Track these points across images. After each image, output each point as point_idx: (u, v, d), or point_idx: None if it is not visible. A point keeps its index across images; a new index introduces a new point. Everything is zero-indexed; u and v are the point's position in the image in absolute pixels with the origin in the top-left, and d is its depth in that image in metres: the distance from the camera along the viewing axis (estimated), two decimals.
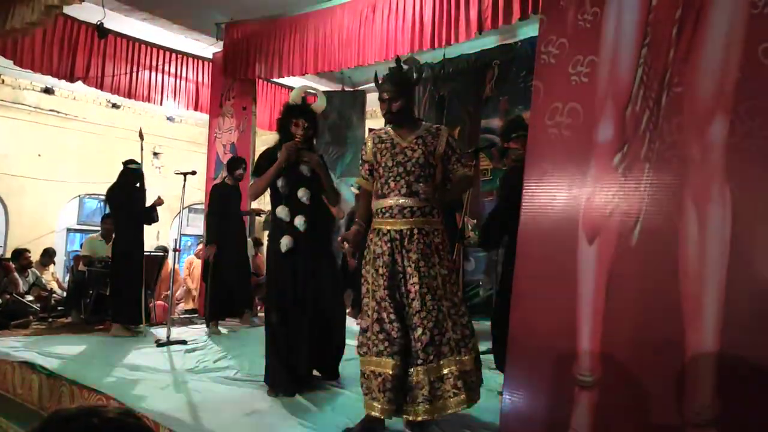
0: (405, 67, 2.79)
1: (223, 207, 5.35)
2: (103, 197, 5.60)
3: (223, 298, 5.33)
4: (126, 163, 5.38)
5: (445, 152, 2.61)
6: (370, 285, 2.53)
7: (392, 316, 2.44)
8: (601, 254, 1.51)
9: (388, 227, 2.54)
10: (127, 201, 5.27)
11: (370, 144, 2.72)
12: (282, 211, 3.19)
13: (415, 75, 2.85)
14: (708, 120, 1.37)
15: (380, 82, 2.66)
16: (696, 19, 1.39)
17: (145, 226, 5.57)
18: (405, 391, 2.42)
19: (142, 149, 5.47)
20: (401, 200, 2.54)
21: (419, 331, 2.40)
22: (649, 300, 1.42)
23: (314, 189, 3.25)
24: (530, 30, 6.02)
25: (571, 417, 1.51)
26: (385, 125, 2.73)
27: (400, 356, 2.40)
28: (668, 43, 1.45)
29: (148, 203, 5.53)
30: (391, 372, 2.38)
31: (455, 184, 2.66)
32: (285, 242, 3.14)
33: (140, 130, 5.51)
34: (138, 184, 5.36)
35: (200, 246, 6.82)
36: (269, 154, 3.30)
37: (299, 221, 3.16)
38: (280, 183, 3.21)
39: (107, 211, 5.47)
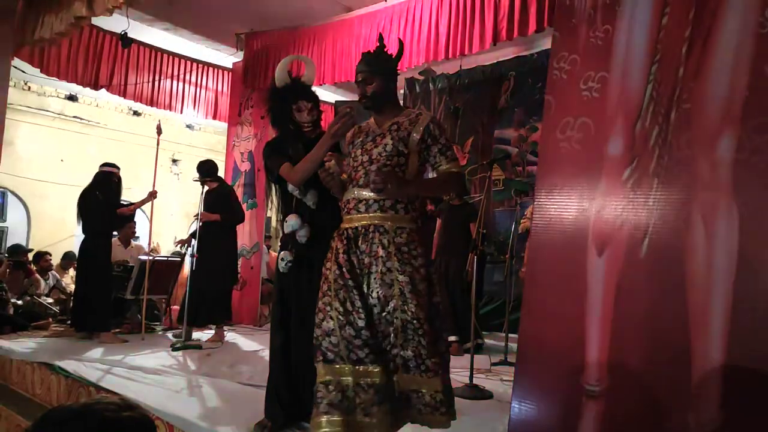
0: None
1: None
2: (126, 203, 5.57)
3: (195, 306, 5.05)
4: (102, 166, 5.30)
5: (423, 140, 2.23)
6: (331, 284, 2.18)
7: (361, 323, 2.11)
8: (610, 266, 1.53)
9: (345, 225, 2.26)
10: (97, 205, 5.10)
11: (348, 135, 2.41)
12: (293, 221, 2.60)
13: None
14: (716, 136, 1.40)
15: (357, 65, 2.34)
16: (705, 38, 1.42)
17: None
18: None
19: (158, 144, 5.40)
20: (357, 192, 2.22)
21: (361, 346, 2.09)
22: (656, 312, 1.44)
23: (327, 198, 2.55)
24: (547, 42, 6.06)
25: (578, 426, 1.53)
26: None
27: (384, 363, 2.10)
28: (678, 60, 1.48)
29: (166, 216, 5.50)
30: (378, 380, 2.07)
31: (435, 181, 2.31)
32: (283, 262, 2.60)
33: (158, 123, 5.49)
34: (108, 189, 5.18)
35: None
36: (278, 143, 2.70)
37: (303, 232, 2.59)
38: (290, 186, 2.62)
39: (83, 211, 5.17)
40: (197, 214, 5.25)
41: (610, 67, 1.62)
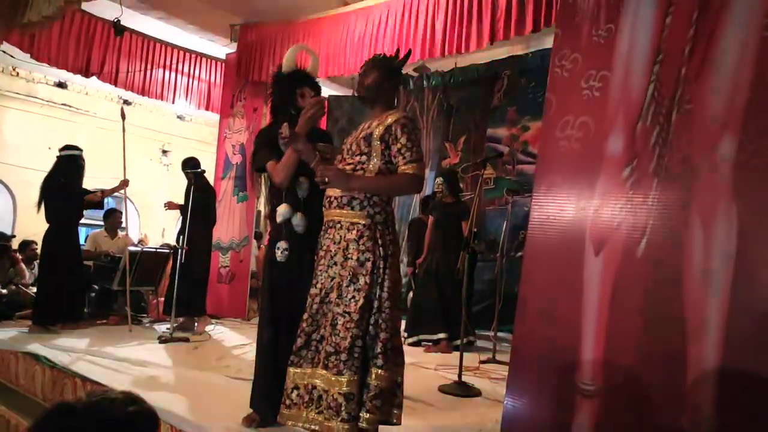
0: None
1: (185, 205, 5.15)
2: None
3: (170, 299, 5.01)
4: (63, 149, 5.09)
5: (383, 138, 2.25)
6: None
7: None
8: (607, 266, 1.53)
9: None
10: (61, 191, 4.89)
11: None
12: (283, 210, 2.59)
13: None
14: (717, 138, 1.40)
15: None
16: (708, 39, 1.42)
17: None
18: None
19: (124, 131, 5.25)
20: (327, 189, 2.33)
21: (299, 333, 2.29)
22: (652, 312, 1.44)
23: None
24: (541, 42, 6.07)
25: (572, 424, 1.53)
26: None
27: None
28: (680, 61, 1.48)
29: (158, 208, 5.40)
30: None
31: (385, 180, 2.26)
32: (279, 251, 2.59)
33: (122, 108, 5.41)
34: (71, 174, 4.98)
35: None
36: (272, 136, 2.60)
37: (297, 220, 2.58)
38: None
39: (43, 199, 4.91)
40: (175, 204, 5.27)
41: (612, 66, 1.62)
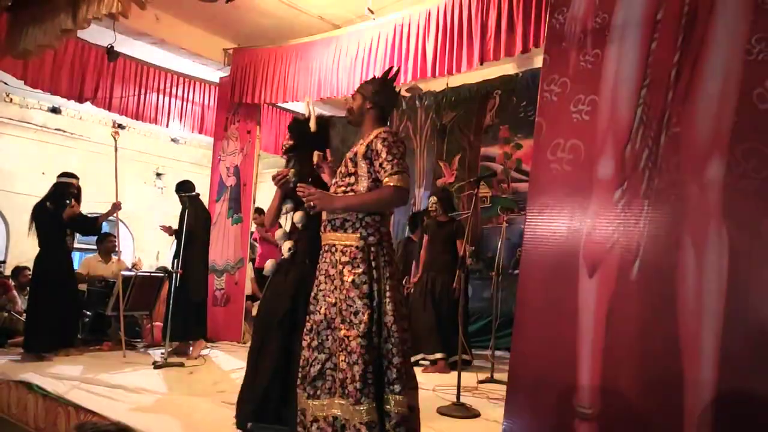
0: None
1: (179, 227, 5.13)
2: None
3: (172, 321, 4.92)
4: (60, 176, 5.10)
5: (366, 156, 2.30)
6: None
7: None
8: (601, 287, 1.54)
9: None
10: (53, 218, 4.89)
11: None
12: (278, 233, 2.96)
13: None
14: (705, 160, 1.42)
15: None
16: (694, 63, 1.45)
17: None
18: None
19: (116, 150, 5.21)
20: (322, 215, 2.39)
21: (312, 362, 2.28)
22: (648, 334, 1.44)
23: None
24: (531, 61, 6.16)
25: None
26: None
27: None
28: (667, 85, 1.51)
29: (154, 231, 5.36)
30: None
31: (368, 195, 2.27)
32: (268, 265, 2.95)
33: (115, 127, 5.33)
34: (67, 200, 4.95)
35: None
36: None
37: (285, 247, 2.86)
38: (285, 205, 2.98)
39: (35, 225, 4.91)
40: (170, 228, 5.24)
41: (600, 90, 1.65)
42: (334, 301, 2.27)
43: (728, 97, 1.41)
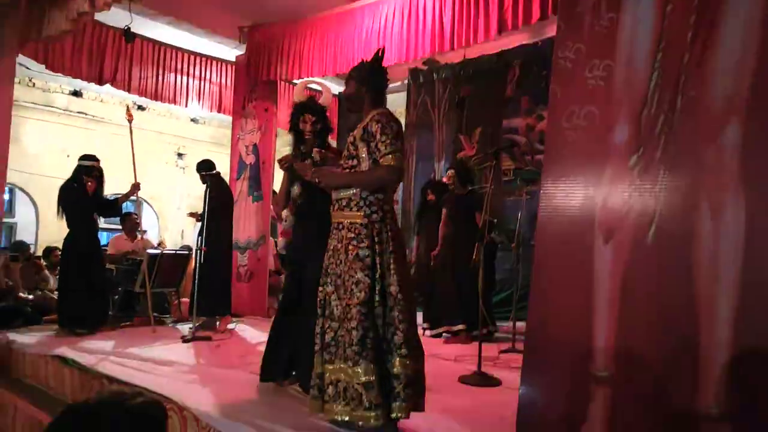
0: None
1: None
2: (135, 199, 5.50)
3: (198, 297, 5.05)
4: (81, 159, 5.22)
5: (363, 138, 2.44)
6: None
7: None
8: (617, 254, 1.55)
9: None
10: (79, 199, 5.04)
11: None
12: (288, 221, 3.25)
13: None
14: (722, 124, 1.40)
15: None
16: (710, 25, 1.42)
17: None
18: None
19: (131, 132, 5.28)
20: (332, 195, 2.56)
21: (327, 330, 2.46)
22: (663, 298, 1.45)
23: (312, 189, 3.01)
24: (551, 30, 6.03)
25: (586, 411, 1.55)
26: None
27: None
28: (683, 47, 1.48)
29: (175, 212, 5.48)
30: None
31: (362, 174, 2.44)
32: (279, 243, 3.25)
33: (127, 107, 5.44)
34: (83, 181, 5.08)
35: None
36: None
37: (286, 222, 3.25)
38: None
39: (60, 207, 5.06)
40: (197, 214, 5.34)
41: (615, 55, 1.63)
42: (339, 273, 2.44)
43: (746, 59, 1.39)
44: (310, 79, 3.93)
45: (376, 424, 2.27)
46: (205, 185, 5.29)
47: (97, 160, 5.26)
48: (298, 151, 3.27)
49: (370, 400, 2.26)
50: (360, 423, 2.31)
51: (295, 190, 3.21)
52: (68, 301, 5.02)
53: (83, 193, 5.07)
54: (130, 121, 5.31)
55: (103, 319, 5.20)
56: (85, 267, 5.01)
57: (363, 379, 2.28)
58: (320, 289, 2.56)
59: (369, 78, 2.58)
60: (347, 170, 2.51)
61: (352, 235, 2.42)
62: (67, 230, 5.13)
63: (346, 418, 2.34)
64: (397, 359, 2.31)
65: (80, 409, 1.02)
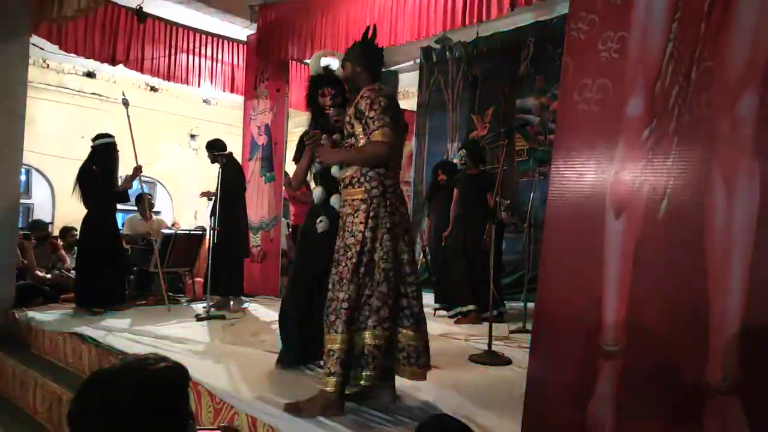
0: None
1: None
2: (148, 180, 5.52)
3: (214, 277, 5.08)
4: (94, 139, 5.25)
5: (356, 116, 2.48)
6: None
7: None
8: (628, 227, 1.53)
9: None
10: (96, 179, 5.09)
11: None
12: (317, 192, 3.08)
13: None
14: (738, 94, 1.37)
15: None
16: None
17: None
18: None
19: (129, 117, 5.29)
20: (338, 173, 2.62)
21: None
22: (674, 271, 1.44)
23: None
24: (565, 6, 5.91)
25: (595, 384, 1.55)
26: None
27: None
28: (699, 17, 1.45)
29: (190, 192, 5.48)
30: None
31: (354, 150, 2.49)
32: (321, 223, 3.03)
33: (123, 95, 5.41)
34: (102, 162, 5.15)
35: None
36: (301, 139, 3.16)
37: (334, 200, 2.95)
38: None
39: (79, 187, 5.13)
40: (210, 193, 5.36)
41: (630, 26, 1.59)
42: (337, 247, 2.51)
43: (764, 29, 1.35)
44: (325, 51, 3.75)
45: (331, 391, 2.37)
46: (218, 166, 5.31)
47: (112, 137, 5.29)
48: (318, 126, 3.10)
49: (329, 366, 2.36)
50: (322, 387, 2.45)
51: (314, 167, 3.11)
52: (86, 280, 5.10)
53: (100, 174, 5.11)
54: (126, 106, 5.33)
55: (120, 299, 5.29)
56: (103, 247, 5.08)
57: (329, 346, 2.39)
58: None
59: (361, 57, 2.62)
60: (346, 148, 2.57)
61: (350, 210, 2.48)
62: (85, 211, 5.20)
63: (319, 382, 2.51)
64: (369, 332, 2.38)
65: (104, 375, 1.04)
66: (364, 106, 2.44)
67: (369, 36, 2.68)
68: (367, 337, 2.37)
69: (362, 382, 2.41)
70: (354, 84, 2.64)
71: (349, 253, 2.42)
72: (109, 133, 5.35)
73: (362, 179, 2.47)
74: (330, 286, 2.50)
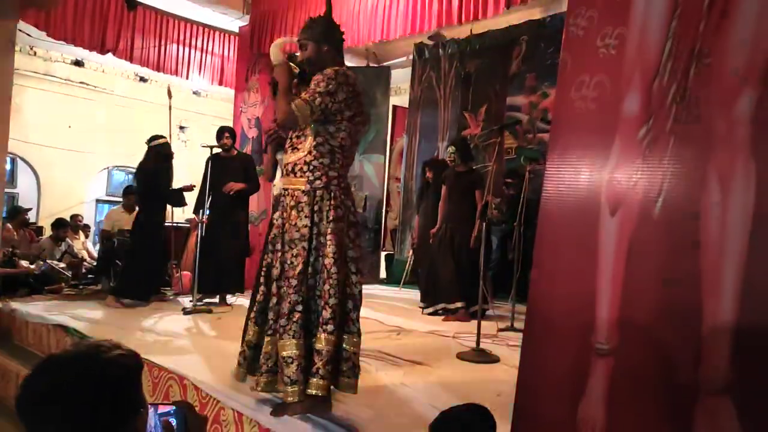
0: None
1: (213, 178, 5.17)
2: (133, 171, 5.58)
3: (208, 274, 5.08)
4: (150, 141, 5.29)
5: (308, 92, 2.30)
6: None
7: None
8: (623, 226, 1.53)
9: None
10: (152, 179, 5.20)
11: None
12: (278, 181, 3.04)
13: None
14: (736, 94, 1.37)
15: None
16: None
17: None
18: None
19: (170, 108, 5.37)
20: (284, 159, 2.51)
21: (261, 301, 2.43)
22: (668, 270, 1.43)
23: None
24: (560, 5, 5.92)
25: (587, 383, 1.55)
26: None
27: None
28: (699, 14, 1.44)
29: (178, 183, 5.51)
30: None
31: (280, 99, 2.35)
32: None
33: (168, 87, 5.46)
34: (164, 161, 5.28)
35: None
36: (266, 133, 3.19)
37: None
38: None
39: (135, 186, 5.43)
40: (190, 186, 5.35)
41: (629, 22, 1.58)
42: (282, 244, 2.36)
43: (764, 27, 1.35)
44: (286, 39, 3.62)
45: (292, 400, 2.23)
46: (207, 158, 5.26)
47: (163, 138, 5.31)
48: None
49: (289, 375, 2.22)
50: (282, 398, 2.29)
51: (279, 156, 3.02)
52: (132, 273, 5.14)
53: (157, 173, 5.19)
54: (170, 97, 5.42)
55: (149, 294, 5.26)
56: (149, 242, 5.16)
57: (284, 353, 2.23)
58: (266, 257, 2.47)
59: (326, 33, 2.43)
60: (292, 92, 2.39)
61: (293, 203, 2.34)
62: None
63: (268, 390, 2.35)
64: (322, 335, 2.22)
65: (55, 361, 1.02)
66: (313, 84, 2.29)
67: (325, 12, 2.54)
68: (322, 340, 2.23)
69: (315, 391, 2.23)
70: (317, 65, 2.40)
71: (295, 250, 2.29)
72: (162, 134, 5.35)
73: (305, 168, 2.33)
74: (276, 281, 2.34)
